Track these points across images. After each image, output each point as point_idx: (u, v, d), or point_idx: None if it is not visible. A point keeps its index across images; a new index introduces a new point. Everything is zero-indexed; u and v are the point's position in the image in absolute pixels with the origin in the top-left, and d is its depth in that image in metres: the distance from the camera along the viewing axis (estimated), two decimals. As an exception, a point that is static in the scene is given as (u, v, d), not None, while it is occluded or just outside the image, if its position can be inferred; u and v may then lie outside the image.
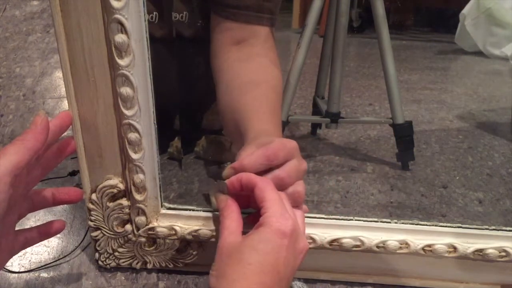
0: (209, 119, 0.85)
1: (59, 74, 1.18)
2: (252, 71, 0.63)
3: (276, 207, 0.41)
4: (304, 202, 0.48)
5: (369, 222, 0.52)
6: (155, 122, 0.47)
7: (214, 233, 0.51)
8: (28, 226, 0.49)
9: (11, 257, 0.45)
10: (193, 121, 0.85)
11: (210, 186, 0.47)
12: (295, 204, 0.46)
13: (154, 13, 0.70)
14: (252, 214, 0.46)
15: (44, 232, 0.49)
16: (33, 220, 0.64)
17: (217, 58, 0.65)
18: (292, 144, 0.47)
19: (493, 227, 0.51)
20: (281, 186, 0.45)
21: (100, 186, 0.50)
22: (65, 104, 1.03)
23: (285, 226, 0.40)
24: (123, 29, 0.42)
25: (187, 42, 0.75)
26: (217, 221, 0.48)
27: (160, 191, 0.51)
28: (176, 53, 0.75)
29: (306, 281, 0.55)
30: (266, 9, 0.63)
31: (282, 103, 0.86)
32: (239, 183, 0.44)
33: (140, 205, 0.51)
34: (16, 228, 0.45)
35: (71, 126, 0.47)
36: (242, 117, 0.56)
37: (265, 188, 0.43)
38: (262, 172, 0.45)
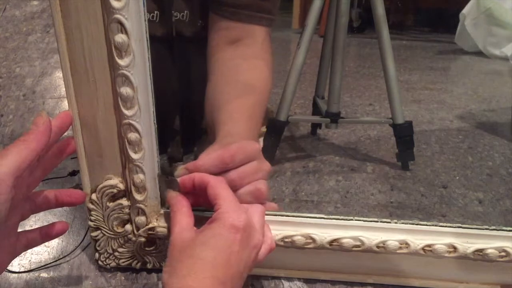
0: None
1: (59, 74, 1.18)
2: (242, 71, 0.63)
3: (228, 203, 0.42)
4: (269, 199, 0.49)
5: (369, 222, 0.52)
6: (155, 122, 0.47)
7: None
8: (28, 226, 0.49)
9: (13, 258, 0.45)
10: (193, 121, 0.85)
11: (161, 183, 0.48)
12: (257, 201, 0.47)
13: (155, 12, 0.70)
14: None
15: (46, 234, 0.48)
16: (33, 220, 0.64)
17: (212, 57, 0.66)
18: (253, 146, 0.48)
19: (493, 227, 0.51)
20: (233, 187, 0.45)
21: (100, 186, 0.50)
22: (65, 104, 1.03)
23: (237, 221, 0.40)
24: (123, 29, 0.42)
25: (187, 42, 0.75)
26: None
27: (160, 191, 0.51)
28: (176, 52, 0.75)
29: (306, 281, 0.55)
30: (264, 9, 0.63)
31: (281, 103, 0.87)
32: (191, 182, 0.45)
33: (140, 205, 0.51)
34: (18, 230, 0.45)
35: (71, 126, 0.47)
36: (219, 116, 0.57)
37: (218, 185, 0.43)
38: (218, 174, 0.46)
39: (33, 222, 0.63)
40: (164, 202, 0.50)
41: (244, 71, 0.63)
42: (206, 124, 0.66)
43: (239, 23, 0.63)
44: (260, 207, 0.46)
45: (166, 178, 0.47)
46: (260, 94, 0.62)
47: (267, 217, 0.51)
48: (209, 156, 0.46)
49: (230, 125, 0.55)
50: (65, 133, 0.47)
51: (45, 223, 0.62)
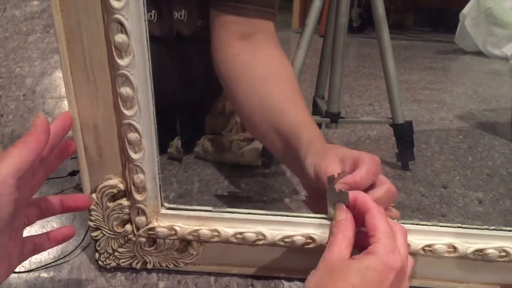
0: (211, 123, 0.85)
1: (59, 74, 1.18)
2: (272, 65, 0.62)
3: (388, 241, 0.41)
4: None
5: (369, 222, 0.51)
6: (155, 122, 0.47)
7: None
8: (27, 226, 0.48)
9: (20, 263, 0.45)
10: (193, 121, 0.85)
11: (330, 194, 0.46)
12: (390, 202, 0.48)
13: (153, 11, 0.70)
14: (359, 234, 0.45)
15: (53, 238, 0.48)
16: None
17: (223, 53, 0.63)
18: (376, 158, 0.49)
19: (493, 227, 0.51)
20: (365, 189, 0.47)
21: (100, 186, 0.50)
22: (65, 104, 1.03)
23: (394, 262, 0.40)
24: (123, 29, 0.42)
25: (186, 41, 0.75)
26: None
27: (160, 191, 0.51)
28: (176, 52, 0.75)
29: (306, 281, 0.55)
30: (266, 3, 0.62)
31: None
32: (353, 201, 0.44)
33: (140, 205, 0.51)
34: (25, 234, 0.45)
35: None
36: (284, 122, 0.57)
37: (378, 217, 0.42)
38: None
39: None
40: (318, 211, 0.50)
41: (273, 65, 0.62)
42: (255, 132, 0.64)
43: (245, 18, 0.61)
44: (403, 228, 0.45)
45: (338, 190, 0.45)
46: (296, 84, 0.63)
47: (268, 218, 0.51)
48: (361, 172, 0.46)
49: (305, 128, 0.56)
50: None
51: (45, 223, 0.62)
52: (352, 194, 0.45)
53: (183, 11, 0.73)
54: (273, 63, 0.63)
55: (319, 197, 0.49)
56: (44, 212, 0.47)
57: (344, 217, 0.44)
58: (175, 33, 0.73)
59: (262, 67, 0.61)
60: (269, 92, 0.60)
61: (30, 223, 0.46)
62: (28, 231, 0.47)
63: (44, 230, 0.50)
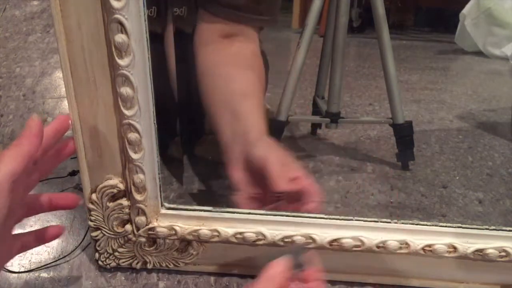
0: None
1: (59, 74, 1.18)
2: (243, 62, 0.65)
3: None
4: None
5: (369, 222, 0.52)
6: (155, 122, 0.47)
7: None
8: (28, 226, 0.49)
9: (9, 261, 0.45)
10: (193, 121, 0.85)
11: (291, 249, 0.42)
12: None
13: (153, 7, 0.70)
14: None
15: (41, 237, 0.48)
16: (33, 220, 0.64)
17: (203, 47, 0.66)
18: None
19: (493, 227, 0.51)
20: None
21: (100, 186, 0.50)
22: (65, 104, 1.03)
23: None
24: (123, 29, 0.42)
25: (187, 39, 0.74)
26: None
27: (160, 191, 0.51)
28: (176, 49, 0.75)
29: (306, 281, 0.55)
30: (256, 11, 0.64)
31: (281, 103, 0.87)
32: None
33: (140, 205, 0.51)
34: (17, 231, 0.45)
35: (71, 127, 0.47)
36: (238, 111, 0.60)
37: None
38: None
39: (33, 222, 0.63)
40: (251, 206, 0.52)
41: (245, 62, 0.65)
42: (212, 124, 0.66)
43: (230, 22, 0.64)
44: None
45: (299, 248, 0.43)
46: (262, 81, 0.65)
47: (268, 218, 0.51)
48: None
49: (257, 122, 0.59)
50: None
51: (45, 223, 0.62)
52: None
53: (183, 7, 0.73)
54: (244, 61, 0.65)
55: (254, 189, 0.51)
56: (32, 210, 0.47)
57: (279, 271, 0.40)
58: (176, 30, 0.73)
59: (233, 61, 0.65)
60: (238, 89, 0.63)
61: (18, 221, 0.45)
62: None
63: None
